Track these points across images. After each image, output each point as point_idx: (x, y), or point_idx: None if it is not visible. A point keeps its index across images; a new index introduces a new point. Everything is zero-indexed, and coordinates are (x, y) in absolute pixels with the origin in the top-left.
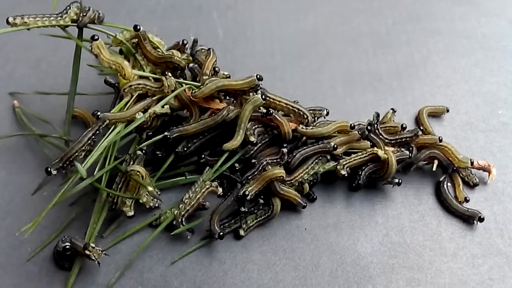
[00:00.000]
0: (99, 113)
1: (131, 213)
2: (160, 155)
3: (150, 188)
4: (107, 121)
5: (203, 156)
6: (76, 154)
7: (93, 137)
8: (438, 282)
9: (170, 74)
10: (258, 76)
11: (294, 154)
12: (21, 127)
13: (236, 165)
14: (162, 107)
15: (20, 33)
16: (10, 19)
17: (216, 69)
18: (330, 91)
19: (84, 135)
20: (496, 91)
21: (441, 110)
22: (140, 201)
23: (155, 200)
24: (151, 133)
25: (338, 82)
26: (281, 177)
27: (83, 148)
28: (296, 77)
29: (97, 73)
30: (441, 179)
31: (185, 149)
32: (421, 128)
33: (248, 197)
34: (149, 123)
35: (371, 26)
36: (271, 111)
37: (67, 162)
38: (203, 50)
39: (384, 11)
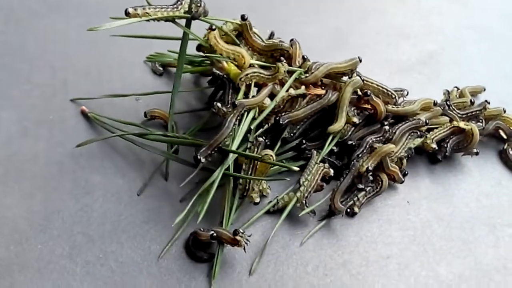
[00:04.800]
0: (235, 101)
1: (258, 200)
2: (268, 142)
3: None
4: (245, 107)
5: (304, 142)
6: (225, 139)
7: (236, 122)
8: None
9: (285, 61)
10: (359, 58)
11: (393, 130)
12: (96, 131)
13: (334, 148)
14: (294, 90)
15: (55, 40)
16: (131, 10)
17: (305, 57)
18: None
19: (229, 121)
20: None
21: (479, 89)
22: (259, 188)
23: (269, 187)
24: (278, 118)
25: (374, 73)
26: (392, 153)
27: (230, 133)
28: None
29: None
30: (504, 147)
31: (292, 134)
32: None
33: (370, 172)
34: (281, 107)
35: (385, 23)
36: (369, 93)
37: (216, 149)
38: (281, 42)
39: (390, 9)
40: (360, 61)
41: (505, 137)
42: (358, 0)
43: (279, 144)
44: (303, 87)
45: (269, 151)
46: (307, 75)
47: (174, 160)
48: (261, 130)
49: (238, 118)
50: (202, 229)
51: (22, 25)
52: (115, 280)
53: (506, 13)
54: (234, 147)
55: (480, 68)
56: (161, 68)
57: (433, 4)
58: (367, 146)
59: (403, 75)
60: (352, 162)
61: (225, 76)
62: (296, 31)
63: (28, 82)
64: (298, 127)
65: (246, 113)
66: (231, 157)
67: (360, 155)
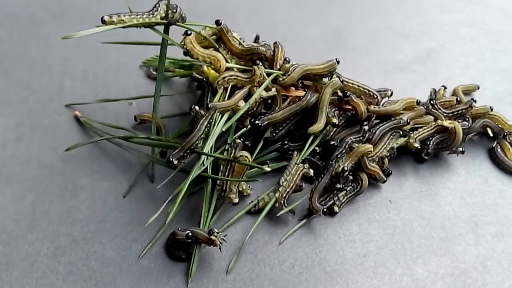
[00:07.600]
0: (209, 104)
1: (236, 200)
2: (249, 144)
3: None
4: (218, 110)
5: (286, 142)
6: (197, 142)
7: (208, 125)
8: None
9: (261, 64)
10: (337, 60)
11: (373, 130)
12: (88, 135)
13: (316, 148)
14: (266, 91)
15: (56, 46)
16: (106, 18)
17: (287, 59)
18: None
19: (201, 123)
20: (509, 69)
21: (473, 87)
22: (240, 188)
23: (250, 187)
24: (253, 120)
25: (371, 73)
26: (370, 152)
27: (202, 136)
28: None
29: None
30: (493, 145)
31: (274, 134)
32: None
33: (347, 173)
34: (254, 109)
35: (384, 23)
36: (348, 93)
37: (188, 151)
38: (266, 45)
39: (391, 9)
40: (338, 62)
41: (491, 135)
42: (358, 0)
43: (261, 145)
44: (273, 89)
45: (244, 153)
46: (284, 77)
47: (157, 163)
48: (241, 131)
49: (211, 120)
50: (179, 229)
51: (24, 32)
52: (96, 280)
53: (506, 9)
54: (207, 149)
55: (478, 65)
56: (155, 73)
57: (435, 2)
58: (346, 146)
59: (400, 74)
60: (330, 162)
61: (204, 79)
62: (295, 33)
63: (27, 87)
64: (280, 128)
65: (220, 116)
66: (204, 159)
67: (339, 155)
